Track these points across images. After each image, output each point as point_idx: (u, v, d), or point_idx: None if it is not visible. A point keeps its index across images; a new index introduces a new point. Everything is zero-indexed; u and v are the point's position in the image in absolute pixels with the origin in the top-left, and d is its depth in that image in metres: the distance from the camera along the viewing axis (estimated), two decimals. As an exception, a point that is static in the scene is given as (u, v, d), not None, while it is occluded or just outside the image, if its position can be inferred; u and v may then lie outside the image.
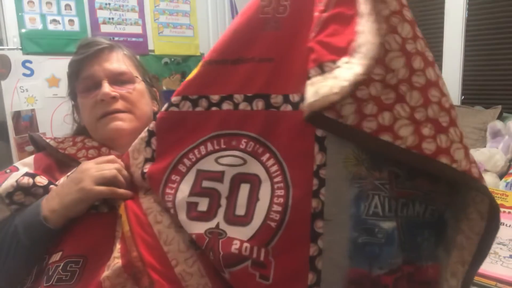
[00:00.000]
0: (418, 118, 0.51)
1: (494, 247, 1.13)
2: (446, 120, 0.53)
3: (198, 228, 0.59)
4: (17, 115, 1.93)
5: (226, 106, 0.63)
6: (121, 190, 0.68)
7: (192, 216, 0.60)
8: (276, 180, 0.57)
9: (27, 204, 0.72)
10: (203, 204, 0.60)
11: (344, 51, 0.51)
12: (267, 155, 0.59)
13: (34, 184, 0.73)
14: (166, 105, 0.68)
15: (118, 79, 0.84)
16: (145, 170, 0.66)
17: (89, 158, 0.79)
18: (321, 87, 0.50)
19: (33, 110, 1.97)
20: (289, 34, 0.60)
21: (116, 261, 0.60)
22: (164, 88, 2.42)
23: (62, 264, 0.64)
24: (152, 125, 0.68)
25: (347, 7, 0.53)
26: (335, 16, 0.54)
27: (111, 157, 0.74)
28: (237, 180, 0.60)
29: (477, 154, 1.63)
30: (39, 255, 0.68)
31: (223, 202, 0.59)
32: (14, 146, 1.93)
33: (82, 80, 0.85)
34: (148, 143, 0.68)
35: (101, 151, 0.82)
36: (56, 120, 2.03)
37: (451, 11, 2.05)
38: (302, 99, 0.55)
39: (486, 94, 1.99)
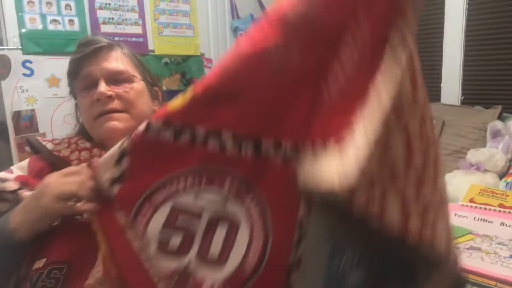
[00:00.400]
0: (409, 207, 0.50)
1: (494, 247, 1.13)
2: (437, 201, 0.53)
3: (168, 264, 0.56)
4: (17, 115, 1.93)
5: (212, 143, 0.57)
6: (84, 206, 0.64)
7: (163, 250, 0.57)
8: (256, 224, 0.55)
9: (3, 211, 0.71)
10: (176, 239, 0.57)
11: (340, 134, 0.46)
12: (250, 197, 0.56)
13: (3, 189, 0.72)
14: (144, 125, 0.60)
15: (115, 78, 0.84)
16: (114, 191, 0.61)
17: (81, 161, 0.79)
18: (314, 168, 0.47)
19: (33, 110, 1.97)
20: (291, 78, 0.55)
21: (98, 269, 0.58)
22: (164, 88, 2.42)
23: (46, 271, 0.62)
24: (126, 143, 0.62)
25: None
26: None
27: (76, 168, 0.69)
28: (215, 219, 0.57)
29: (477, 154, 1.63)
30: (17, 262, 0.67)
31: (198, 239, 0.57)
32: (14, 146, 1.93)
33: (81, 79, 0.85)
34: (118, 162, 0.62)
35: (92, 153, 0.82)
36: (56, 120, 2.03)
37: (451, 11, 2.05)
38: (294, 149, 0.54)
39: (486, 94, 1.99)
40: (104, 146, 0.82)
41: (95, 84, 0.82)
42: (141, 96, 0.87)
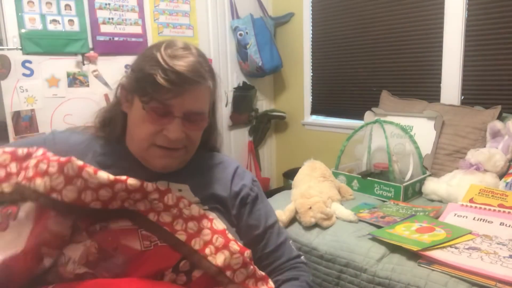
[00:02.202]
0: None
1: (494, 247, 1.13)
2: None
3: None
4: (17, 115, 1.93)
5: None
6: None
7: None
8: None
9: None
10: None
11: None
12: None
13: None
14: None
15: (192, 118, 0.79)
16: None
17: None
18: None
19: (33, 110, 1.97)
20: None
21: None
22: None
23: None
24: None
25: None
26: None
27: None
28: None
29: (477, 154, 1.63)
30: None
31: None
32: (14, 146, 1.92)
33: (156, 102, 0.76)
34: None
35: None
36: (56, 120, 2.03)
37: (451, 11, 2.06)
38: None
39: (486, 94, 1.99)
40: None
41: (168, 114, 0.77)
42: (202, 131, 0.85)
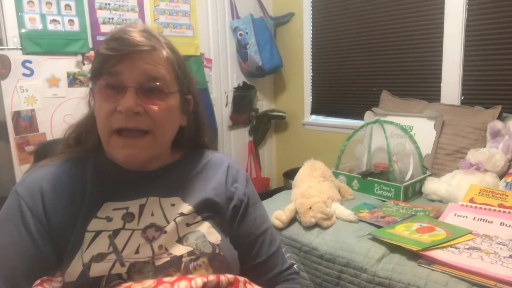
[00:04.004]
0: None
1: (494, 247, 1.13)
2: None
3: None
4: (17, 115, 1.93)
5: None
6: None
7: None
8: None
9: None
10: None
11: None
12: None
13: None
14: None
15: (149, 86, 0.70)
16: None
17: None
18: None
19: (33, 110, 1.97)
20: None
21: None
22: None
23: None
24: None
25: None
26: None
27: None
28: None
29: (477, 154, 1.63)
30: None
31: None
32: (14, 146, 1.93)
33: (107, 74, 0.70)
34: None
35: None
36: (56, 120, 2.03)
37: (451, 11, 2.06)
38: None
39: (486, 94, 1.99)
40: None
41: (121, 89, 0.69)
42: (171, 114, 0.75)
